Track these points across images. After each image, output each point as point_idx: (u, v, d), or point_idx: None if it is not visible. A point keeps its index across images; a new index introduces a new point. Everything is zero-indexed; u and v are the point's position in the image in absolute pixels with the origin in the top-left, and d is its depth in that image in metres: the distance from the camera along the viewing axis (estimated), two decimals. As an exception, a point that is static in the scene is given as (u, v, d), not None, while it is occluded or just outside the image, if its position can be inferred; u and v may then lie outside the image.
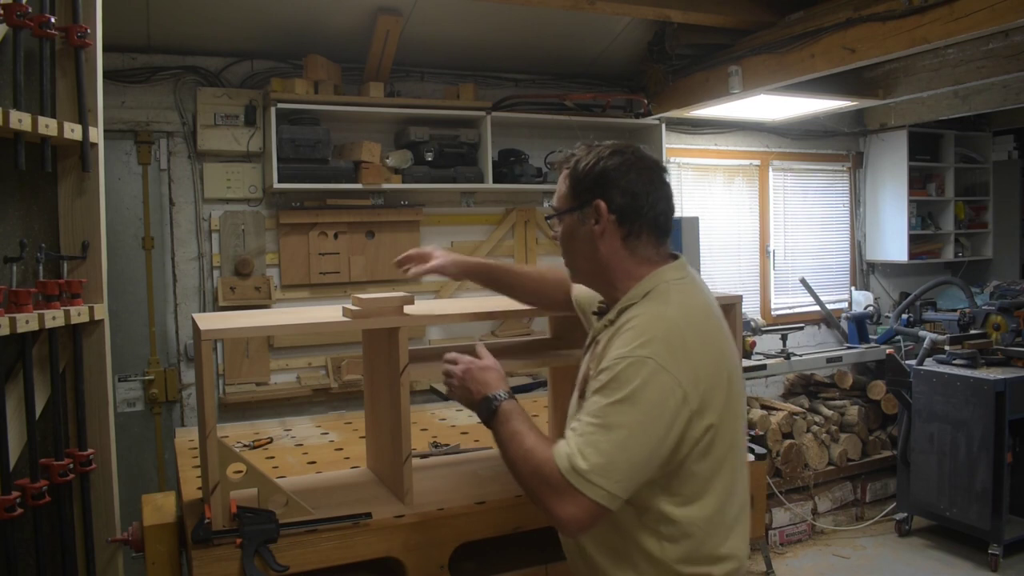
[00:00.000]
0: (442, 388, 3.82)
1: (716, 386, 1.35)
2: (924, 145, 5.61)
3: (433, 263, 1.82)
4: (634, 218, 1.44)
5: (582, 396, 1.42)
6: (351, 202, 4.00)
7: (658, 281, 1.43)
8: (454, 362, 1.53)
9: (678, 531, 1.36)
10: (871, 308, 5.40)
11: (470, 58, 4.27)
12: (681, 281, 1.44)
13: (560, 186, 1.52)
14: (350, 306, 1.77)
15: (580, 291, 1.74)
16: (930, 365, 4.25)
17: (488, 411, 1.43)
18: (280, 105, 3.63)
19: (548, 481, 1.29)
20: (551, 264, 1.94)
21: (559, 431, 2.22)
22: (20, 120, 1.89)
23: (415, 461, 2.01)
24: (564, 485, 1.27)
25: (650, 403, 1.28)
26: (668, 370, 1.29)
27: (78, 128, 2.10)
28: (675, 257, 1.49)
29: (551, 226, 1.57)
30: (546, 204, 4.70)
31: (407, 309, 1.78)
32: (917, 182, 5.62)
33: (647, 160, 1.48)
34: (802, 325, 5.18)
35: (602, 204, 1.43)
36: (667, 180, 1.49)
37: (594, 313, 1.59)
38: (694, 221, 4.27)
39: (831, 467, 4.66)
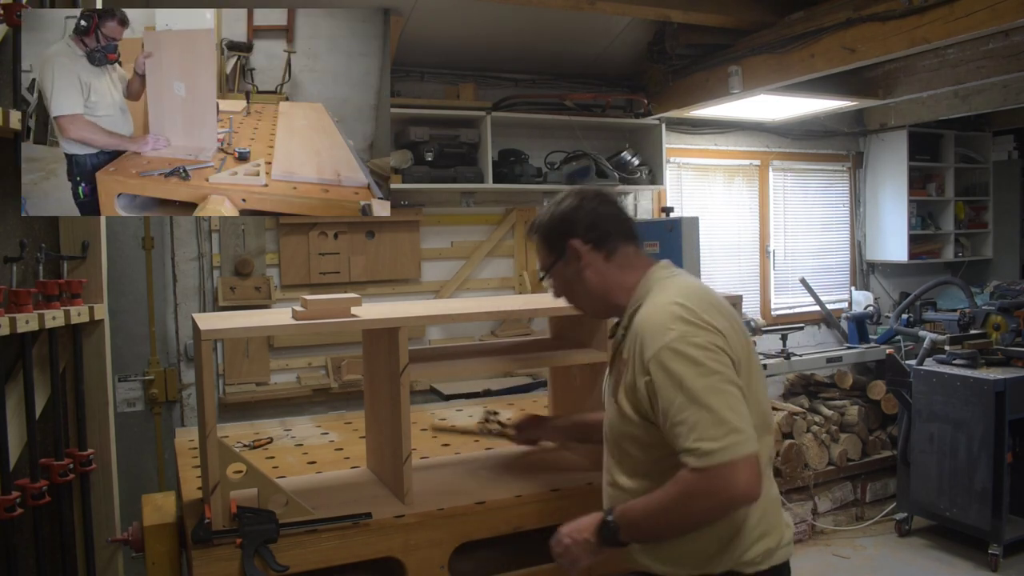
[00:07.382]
0: (441, 388, 3.82)
1: (739, 344, 1.47)
2: (924, 145, 5.60)
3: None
4: (606, 238, 1.59)
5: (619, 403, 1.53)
6: (351, 202, 3.99)
7: (650, 281, 1.58)
8: (557, 543, 1.55)
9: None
10: (871, 308, 5.40)
11: (470, 58, 4.27)
12: (672, 276, 1.58)
13: (538, 250, 1.68)
14: (299, 308, 1.77)
15: None
16: (930, 365, 4.24)
17: (610, 529, 1.47)
18: (280, 105, 3.63)
19: (697, 492, 1.34)
20: None
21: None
22: (20, 120, 1.89)
23: (416, 461, 2.01)
24: (712, 474, 1.32)
25: (707, 358, 1.38)
26: (695, 334, 1.40)
27: (78, 128, 2.10)
28: (657, 262, 1.64)
29: (548, 287, 1.70)
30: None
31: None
32: (917, 182, 5.62)
33: (592, 190, 1.66)
34: (802, 325, 5.18)
35: (574, 242, 1.58)
36: (618, 200, 1.68)
37: (611, 336, 1.68)
38: (694, 221, 4.24)
39: (831, 467, 4.66)
